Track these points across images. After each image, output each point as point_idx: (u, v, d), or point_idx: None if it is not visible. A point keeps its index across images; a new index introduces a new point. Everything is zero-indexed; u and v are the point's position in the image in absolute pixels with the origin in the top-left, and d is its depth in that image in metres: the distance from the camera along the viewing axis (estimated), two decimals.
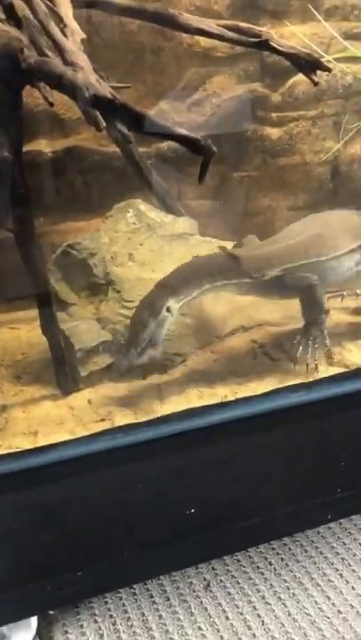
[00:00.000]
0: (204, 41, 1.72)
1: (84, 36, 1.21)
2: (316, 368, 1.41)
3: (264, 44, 1.25)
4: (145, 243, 1.51)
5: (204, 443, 1.27)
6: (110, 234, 1.47)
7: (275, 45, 1.25)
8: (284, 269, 1.45)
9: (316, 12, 1.75)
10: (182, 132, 1.10)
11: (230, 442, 1.30)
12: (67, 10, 1.21)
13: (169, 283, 1.40)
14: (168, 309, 1.36)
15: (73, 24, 1.20)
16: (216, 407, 1.30)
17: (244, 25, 1.33)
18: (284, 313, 1.71)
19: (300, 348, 1.44)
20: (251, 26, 1.33)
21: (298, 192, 1.93)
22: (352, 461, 1.41)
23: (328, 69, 1.35)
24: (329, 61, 1.76)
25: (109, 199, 1.67)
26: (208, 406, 1.30)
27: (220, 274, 1.42)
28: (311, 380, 1.39)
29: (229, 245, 1.65)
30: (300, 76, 1.42)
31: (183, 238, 1.55)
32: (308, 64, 1.33)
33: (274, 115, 1.84)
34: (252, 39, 1.27)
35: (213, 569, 1.51)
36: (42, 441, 1.22)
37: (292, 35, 1.76)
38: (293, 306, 1.72)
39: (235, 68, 1.80)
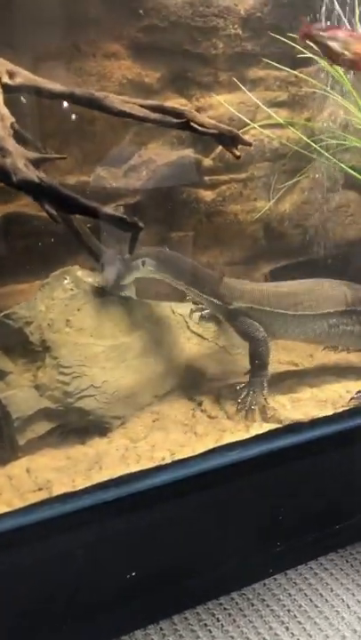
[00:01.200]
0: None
1: (13, 120, 1.26)
2: (251, 416, 1.53)
3: (186, 125, 1.33)
4: (83, 308, 1.54)
5: (142, 506, 1.29)
6: (47, 301, 1.51)
7: (196, 126, 1.33)
8: (249, 307, 1.63)
9: (240, 84, 1.86)
10: (109, 211, 1.17)
11: (169, 503, 1.32)
12: None
13: (165, 254, 1.66)
14: (143, 263, 1.61)
15: (3, 110, 1.25)
16: (154, 471, 1.33)
17: (167, 105, 1.42)
18: (223, 368, 1.77)
19: (242, 395, 1.57)
20: (174, 106, 1.41)
21: (234, 249, 2.03)
22: (290, 515, 1.45)
23: (248, 144, 1.44)
24: (255, 128, 1.88)
25: (50, 262, 1.71)
26: (146, 470, 1.33)
27: (199, 285, 1.64)
28: (246, 437, 1.44)
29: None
30: None
31: (121, 303, 1.60)
32: (229, 139, 1.42)
33: (207, 178, 1.93)
34: (175, 120, 1.35)
35: (161, 629, 1.51)
36: None
37: (219, 104, 1.88)
38: (231, 360, 1.78)
39: (168, 135, 1.89)
